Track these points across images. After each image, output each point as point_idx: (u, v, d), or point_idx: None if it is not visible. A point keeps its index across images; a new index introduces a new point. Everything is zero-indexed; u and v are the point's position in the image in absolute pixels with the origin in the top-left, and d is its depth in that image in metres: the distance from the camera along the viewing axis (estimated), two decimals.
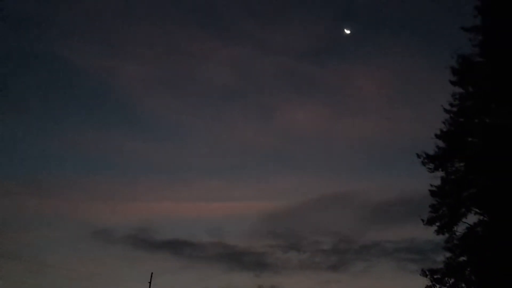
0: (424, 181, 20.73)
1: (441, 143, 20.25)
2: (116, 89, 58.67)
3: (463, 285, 19.10)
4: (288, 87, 60.78)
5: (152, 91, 58.72)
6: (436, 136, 20.31)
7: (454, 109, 20.04)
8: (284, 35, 56.50)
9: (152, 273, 43.34)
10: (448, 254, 19.76)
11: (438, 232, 19.98)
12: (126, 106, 61.39)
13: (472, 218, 19.72)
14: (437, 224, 19.99)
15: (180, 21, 56.99)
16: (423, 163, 20.41)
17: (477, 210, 19.53)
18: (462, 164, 20.06)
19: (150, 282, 42.75)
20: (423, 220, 20.25)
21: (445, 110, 20.18)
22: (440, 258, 20.33)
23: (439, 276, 19.38)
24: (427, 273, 19.61)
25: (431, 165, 20.32)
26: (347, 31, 47.45)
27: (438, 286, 19.29)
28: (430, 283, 19.42)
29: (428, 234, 20.42)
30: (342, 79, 56.84)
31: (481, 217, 19.62)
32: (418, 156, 20.47)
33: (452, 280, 19.21)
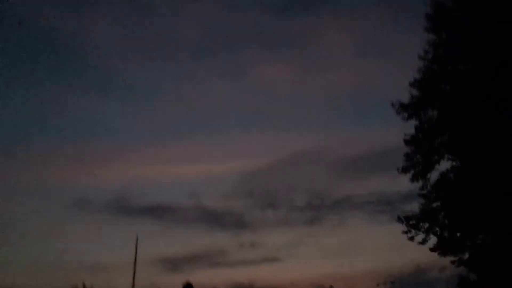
0: (392, 134, 20.79)
1: (415, 92, 20.22)
2: (85, 52, 55.89)
3: (437, 229, 19.60)
4: (259, 43, 59.51)
5: (120, 51, 56.25)
6: (410, 84, 20.25)
7: (428, 56, 19.92)
8: None
9: (137, 236, 43.22)
10: (422, 201, 20.17)
11: (412, 179, 20.28)
12: (95, 68, 58.68)
13: (445, 165, 20.11)
14: (411, 172, 20.27)
15: None
16: (398, 112, 20.41)
17: (449, 156, 19.85)
18: (435, 111, 20.15)
19: (136, 246, 42.63)
20: (398, 169, 20.49)
21: (420, 57, 20.07)
22: (408, 208, 20.72)
23: (414, 221, 19.80)
24: (403, 219, 19.99)
25: (405, 114, 20.34)
26: None
27: (413, 231, 19.73)
28: (405, 229, 19.84)
29: (396, 185, 20.58)
30: (312, 33, 56.06)
31: (453, 163, 20.00)
32: (393, 105, 20.41)
33: (427, 225, 19.67)
